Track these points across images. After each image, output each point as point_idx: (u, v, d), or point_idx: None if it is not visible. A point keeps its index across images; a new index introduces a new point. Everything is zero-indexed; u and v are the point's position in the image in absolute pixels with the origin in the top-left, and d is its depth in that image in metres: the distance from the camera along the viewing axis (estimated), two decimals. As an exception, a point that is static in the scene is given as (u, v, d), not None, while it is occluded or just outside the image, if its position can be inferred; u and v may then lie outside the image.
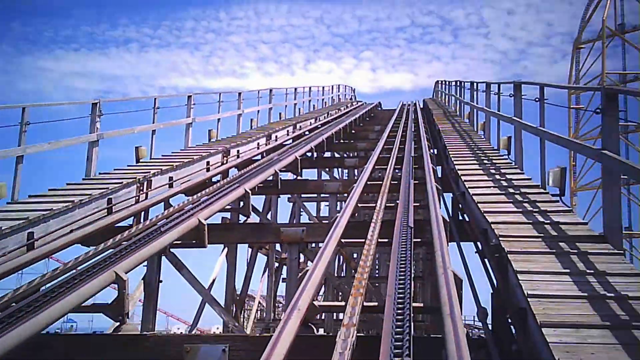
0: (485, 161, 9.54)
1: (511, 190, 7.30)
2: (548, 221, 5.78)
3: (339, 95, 31.86)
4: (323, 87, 27.99)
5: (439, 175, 10.30)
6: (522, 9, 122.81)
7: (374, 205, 7.56)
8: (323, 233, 5.93)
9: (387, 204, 7.98)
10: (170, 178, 9.68)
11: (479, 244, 6.25)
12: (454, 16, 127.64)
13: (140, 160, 10.85)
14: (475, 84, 15.10)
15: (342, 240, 5.86)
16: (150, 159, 11.27)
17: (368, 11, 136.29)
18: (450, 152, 10.51)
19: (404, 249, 5.14)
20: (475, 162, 9.57)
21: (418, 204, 8.23)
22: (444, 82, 26.48)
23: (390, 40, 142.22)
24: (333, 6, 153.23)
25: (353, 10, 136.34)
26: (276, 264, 16.47)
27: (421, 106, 26.41)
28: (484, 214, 6.03)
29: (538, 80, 10.44)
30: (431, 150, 12.88)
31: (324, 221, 13.81)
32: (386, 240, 5.89)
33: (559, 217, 5.86)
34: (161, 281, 7.31)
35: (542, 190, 7.18)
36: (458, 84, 19.50)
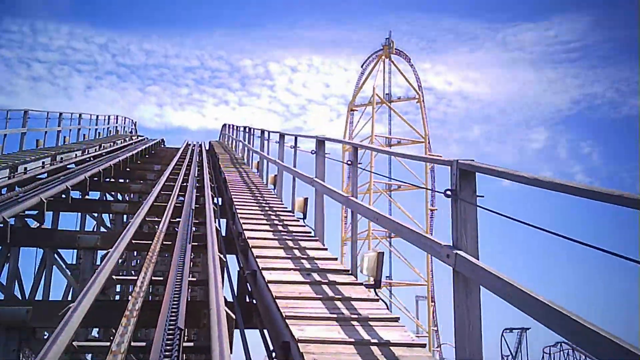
0: (279, 226, 7.81)
1: (312, 271, 5.62)
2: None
3: (116, 127, 28.32)
4: (97, 116, 24.38)
5: (223, 233, 8.50)
6: (305, 68, 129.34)
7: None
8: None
9: (152, 278, 5.75)
10: None
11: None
12: (242, 65, 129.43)
13: None
14: (268, 132, 13.57)
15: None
16: None
17: (157, 46, 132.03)
18: (238, 212, 8.62)
19: None
20: (267, 226, 7.79)
21: (194, 280, 6.22)
22: (231, 127, 24.82)
23: (178, 78, 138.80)
24: (120, 35, 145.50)
25: (140, 43, 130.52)
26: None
27: (207, 148, 24.40)
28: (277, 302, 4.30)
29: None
30: (215, 200, 11.15)
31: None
32: None
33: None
34: None
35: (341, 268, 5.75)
36: (247, 130, 17.87)
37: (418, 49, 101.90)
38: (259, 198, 10.57)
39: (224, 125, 29.09)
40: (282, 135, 11.05)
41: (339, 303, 4.54)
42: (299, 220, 8.20)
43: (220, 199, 12.18)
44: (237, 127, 22.22)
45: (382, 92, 62.31)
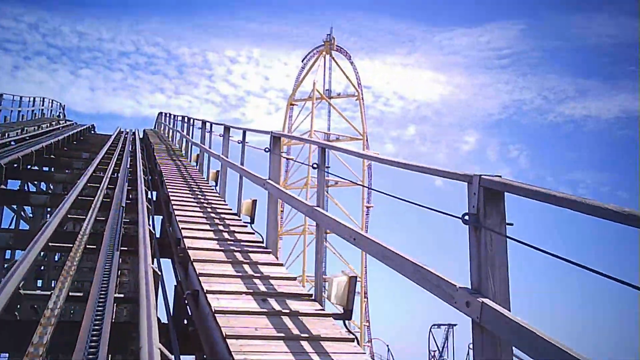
0: (224, 233, 6.73)
1: (268, 295, 4.62)
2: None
3: (42, 110, 26.02)
4: (21, 97, 22.16)
5: (158, 234, 7.39)
6: (244, 60, 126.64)
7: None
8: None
9: (70, 294, 4.64)
10: None
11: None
12: (180, 53, 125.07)
13: None
14: (210, 124, 12.35)
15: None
16: None
17: (90, 29, 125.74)
18: (176, 213, 7.47)
19: None
20: (210, 232, 6.70)
21: (122, 297, 5.16)
22: (168, 115, 23.21)
23: (113, 63, 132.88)
24: (51, 15, 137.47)
25: (73, 24, 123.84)
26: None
27: (141, 136, 22.72)
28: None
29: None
30: (149, 195, 9.96)
31: None
32: None
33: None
34: None
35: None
36: (186, 120, 16.49)
37: (357, 48, 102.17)
38: (199, 196, 9.42)
39: (160, 113, 27.36)
40: (227, 128, 9.92)
41: (306, 345, 3.57)
42: (246, 226, 7.15)
43: (155, 193, 11.00)
44: (174, 116, 20.72)
45: (322, 87, 61.64)
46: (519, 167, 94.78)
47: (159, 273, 4.93)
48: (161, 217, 9.39)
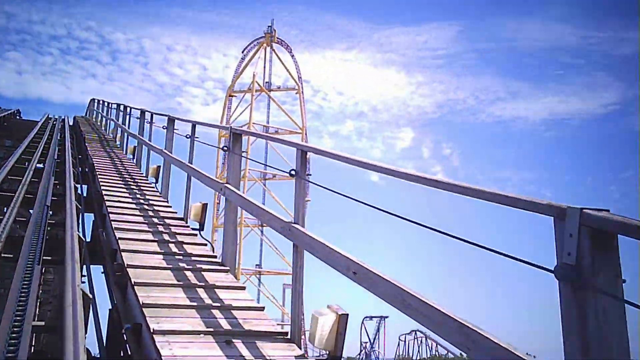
0: (171, 245, 5.61)
1: (234, 335, 3.62)
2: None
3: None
4: None
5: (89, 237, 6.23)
6: (182, 48, 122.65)
7: None
8: None
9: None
10: None
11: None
12: (114, 38, 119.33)
13: None
14: (151, 114, 11.02)
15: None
16: None
17: (19, 9, 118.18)
18: (112, 217, 6.28)
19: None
20: (154, 243, 5.57)
21: (42, 326, 4.08)
22: (101, 102, 21.41)
23: (42, 46, 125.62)
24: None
25: (1, 4, 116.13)
26: None
27: (71, 123, 20.81)
28: None
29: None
30: (79, 190, 8.66)
31: None
32: None
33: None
34: None
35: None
36: (122, 108, 14.94)
37: (297, 41, 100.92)
38: (138, 196, 8.20)
39: (93, 100, 25.35)
40: (171, 120, 8.71)
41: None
42: (195, 236, 6.06)
43: (86, 187, 9.68)
44: (109, 103, 19.03)
45: (262, 80, 60.26)
46: (450, 165, 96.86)
47: (90, 296, 3.90)
48: (92, 214, 8.17)
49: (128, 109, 13.93)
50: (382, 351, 59.79)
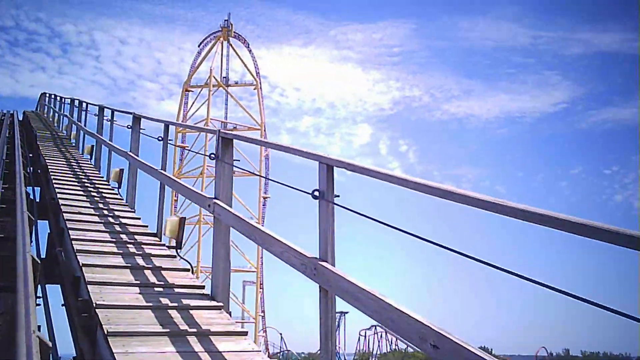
0: (147, 273, 4.59)
1: None
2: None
3: None
4: None
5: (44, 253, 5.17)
6: (135, 42, 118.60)
7: None
8: None
9: None
10: None
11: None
12: (64, 30, 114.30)
13: None
14: (112, 111, 9.81)
15: None
16: None
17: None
18: (73, 236, 5.21)
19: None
20: (126, 271, 4.54)
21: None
22: (54, 97, 19.77)
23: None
24: None
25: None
26: None
27: (20, 119, 19.12)
28: None
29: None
30: (32, 195, 7.50)
31: None
32: None
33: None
34: None
35: None
36: (77, 104, 13.56)
37: (254, 36, 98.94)
38: (101, 205, 7.09)
39: (44, 94, 23.56)
40: (137, 119, 7.62)
41: None
42: (174, 257, 5.06)
43: (39, 190, 8.50)
44: (62, 98, 17.50)
45: (219, 75, 58.61)
46: (407, 162, 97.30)
47: (49, 344, 2.93)
48: (46, 221, 7.05)
49: (84, 105, 12.61)
50: (342, 346, 59.45)
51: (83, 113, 12.45)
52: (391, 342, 53.80)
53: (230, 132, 4.33)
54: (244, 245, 48.75)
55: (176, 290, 4.11)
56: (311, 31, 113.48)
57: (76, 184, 8.53)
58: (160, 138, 6.30)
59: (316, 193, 3.00)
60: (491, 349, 43.57)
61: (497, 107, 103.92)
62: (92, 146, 10.85)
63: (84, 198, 7.49)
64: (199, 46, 61.02)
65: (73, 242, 5.05)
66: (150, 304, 3.66)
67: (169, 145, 6.31)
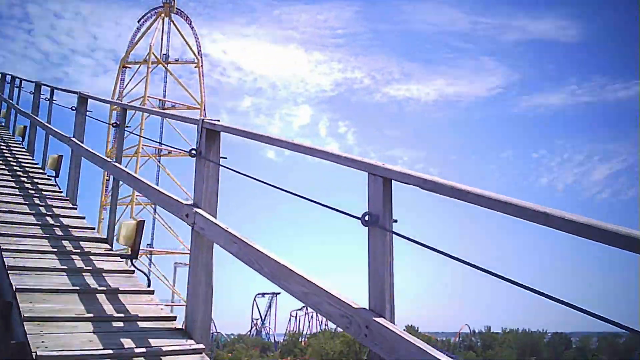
0: (99, 290, 3.82)
1: None
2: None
3: None
4: None
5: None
6: (71, 16, 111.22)
7: None
8: None
9: None
10: None
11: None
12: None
13: None
14: (51, 89, 8.65)
15: None
16: None
17: None
18: (4, 247, 4.32)
19: None
20: (67, 294, 3.74)
21: None
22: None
23: None
24: None
25: None
26: None
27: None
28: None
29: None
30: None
31: None
32: None
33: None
34: None
35: None
36: (10, 80, 12.08)
37: (196, 14, 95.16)
38: (37, 201, 6.13)
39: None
40: (83, 99, 6.65)
41: None
42: (132, 273, 4.29)
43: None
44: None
45: (159, 51, 56.08)
46: (346, 143, 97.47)
47: None
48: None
49: (17, 81, 11.26)
50: (273, 327, 59.17)
51: (16, 90, 11.11)
52: (321, 322, 54.01)
53: (216, 122, 3.43)
54: (176, 226, 47.22)
55: (140, 324, 3.39)
56: (255, 10, 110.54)
57: (6, 171, 7.47)
58: (115, 124, 5.44)
59: (367, 217, 2.24)
60: (417, 327, 44.49)
61: (435, 91, 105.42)
62: (25, 127, 9.68)
63: (17, 191, 6.50)
64: (138, 22, 58.13)
65: (4, 254, 4.19)
66: (111, 351, 2.94)
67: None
